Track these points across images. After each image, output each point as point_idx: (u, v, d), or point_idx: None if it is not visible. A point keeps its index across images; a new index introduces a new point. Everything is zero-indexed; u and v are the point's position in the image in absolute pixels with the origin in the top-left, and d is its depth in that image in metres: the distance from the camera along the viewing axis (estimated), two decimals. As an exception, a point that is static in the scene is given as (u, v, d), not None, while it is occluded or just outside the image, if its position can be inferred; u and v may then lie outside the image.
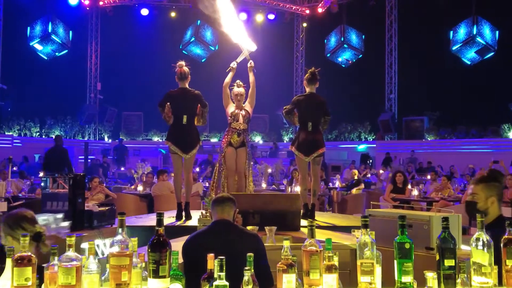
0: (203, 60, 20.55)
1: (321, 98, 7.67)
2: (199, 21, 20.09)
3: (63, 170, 11.92)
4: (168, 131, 7.56)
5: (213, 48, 20.53)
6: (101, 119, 22.76)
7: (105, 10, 22.29)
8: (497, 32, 18.41)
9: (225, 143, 7.75)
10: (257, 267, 2.45)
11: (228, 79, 7.96)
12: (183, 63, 7.50)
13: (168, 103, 7.22)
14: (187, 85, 7.43)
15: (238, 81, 7.92)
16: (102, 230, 5.51)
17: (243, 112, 7.80)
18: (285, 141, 23.91)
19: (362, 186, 13.15)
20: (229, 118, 7.80)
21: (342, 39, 20.48)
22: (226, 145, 7.72)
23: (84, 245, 2.29)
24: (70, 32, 20.35)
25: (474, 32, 18.11)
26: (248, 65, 8.00)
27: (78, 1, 21.13)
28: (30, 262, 2.14)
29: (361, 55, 21.01)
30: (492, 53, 18.55)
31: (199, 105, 7.34)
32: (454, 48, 18.77)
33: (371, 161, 20.21)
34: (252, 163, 8.10)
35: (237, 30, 7.93)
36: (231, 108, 7.85)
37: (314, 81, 7.69)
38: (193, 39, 20.09)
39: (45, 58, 20.16)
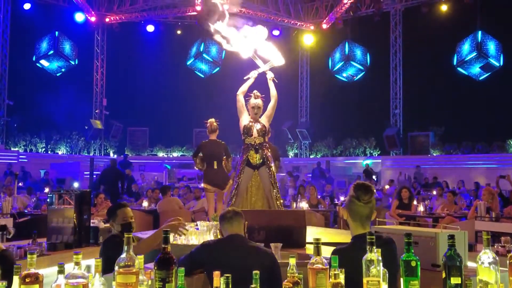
0: (203, 76, 20.68)
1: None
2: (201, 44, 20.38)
3: (118, 187, 14.55)
4: (204, 174, 8.96)
5: (217, 69, 20.75)
6: (106, 135, 22.82)
7: (111, 27, 22.46)
8: (502, 47, 18.45)
9: (241, 163, 7.13)
10: (273, 285, 2.42)
11: (245, 87, 7.25)
12: (213, 119, 8.68)
13: (201, 155, 8.73)
14: (215, 137, 8.74)
15: (255, 91, 7.24)
16: None
17: (258, 126, 7.16)
18: (290, 156, 23.91)
19: None
20: (242, 132, 7.22)
21: (347, 54, 20.55)
22: (242, 166, 7.10)
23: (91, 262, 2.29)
24: (76, 49, 20.51)
25: (479, 48, 18.15)
26: (268, 76, 7.33)
27: (84, 18, 21.34)
28: (37, 280, 2.14)
29: (365, 71, 21.05)
30: (497, 68, 18.58)
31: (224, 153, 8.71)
32: (458, 63, 18.82)
33: (375, 177, 20.07)
34: (276, 183, 7.22)
35: (256, 44, 7.22)
36: (244, 120, 7.22)
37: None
38: (202, 47, 20.23)
39: (52, 74, 20.31)
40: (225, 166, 8.71)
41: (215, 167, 8.63)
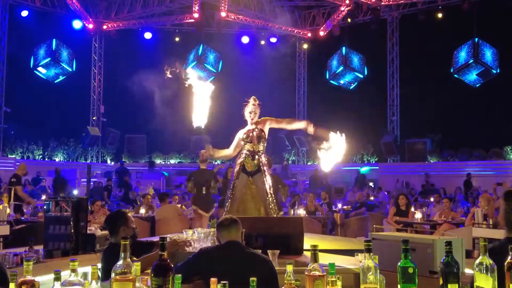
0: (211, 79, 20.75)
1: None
2: (201, 46, 20.38)
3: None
4: (193, 197, 10.65)
5: (212, 78, 20.80)
6: (104, 142, 22.79)
7: (109, 34, 22.47)
8: (498, 54, 18.52)
9: (236, 168, 7.07)
10: None
11: (220, 154, 7.72)
12: (204, 151, 9.21)
13: (192, 180, 10.34)
14: (205, 167, 10.58)
15: (253, 97, 7.26)
16: None
17: (257, 132, 7.08)
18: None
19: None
20: (242, 141, 7.14)
21: (344, 55, 20.57)
22: (237, 172, 7.03)
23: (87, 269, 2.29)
24: (74, 56, 20.51)
25: (475, 55, 18.21)
26: (311, 129, 7.60)
27: (82, 25, 21.35)
28: (33, 287, 2.13)
29: (362, 78, 21.07)
30: (493, 75, 18.64)
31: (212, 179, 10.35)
32: (455, 70, 18.88)
33: (372, 184, 20.06)
34: (271, 189, 7.08)
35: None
36: (243, 130, 7.19)
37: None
38: (201, 50, 20.26)
39: (49, 81, 20.30)
40: (212, 189, 10.34)
41: (204, 192, 10.28)
